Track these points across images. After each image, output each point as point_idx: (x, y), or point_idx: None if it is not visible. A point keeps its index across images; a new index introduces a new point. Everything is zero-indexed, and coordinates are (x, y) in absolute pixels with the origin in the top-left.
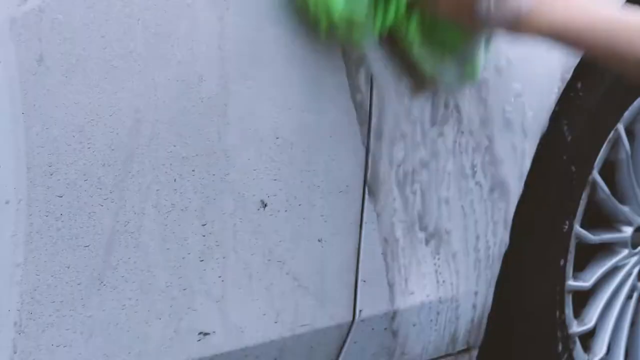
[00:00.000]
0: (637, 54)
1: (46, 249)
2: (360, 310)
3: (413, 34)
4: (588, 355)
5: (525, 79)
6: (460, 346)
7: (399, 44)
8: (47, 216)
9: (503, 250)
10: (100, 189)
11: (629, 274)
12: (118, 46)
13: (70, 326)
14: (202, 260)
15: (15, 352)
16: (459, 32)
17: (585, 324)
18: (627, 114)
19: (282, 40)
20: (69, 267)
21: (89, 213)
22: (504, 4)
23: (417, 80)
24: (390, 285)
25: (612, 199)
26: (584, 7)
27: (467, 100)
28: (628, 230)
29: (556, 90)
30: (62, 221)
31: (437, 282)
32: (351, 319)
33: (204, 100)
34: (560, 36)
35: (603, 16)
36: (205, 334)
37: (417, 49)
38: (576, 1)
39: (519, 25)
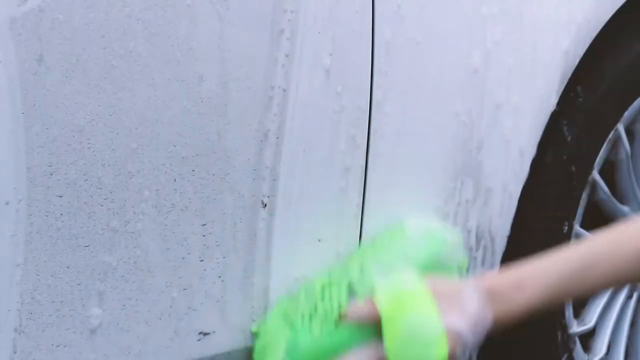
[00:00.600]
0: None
1: (46, 249)
2: None
3: None
4: (588, 355)
5: (526, 78)
6: None
7: None
8: (47, 216)
9: (503, 248)
10: (100, 189)
11: None
12: (118, 46)
13: (70, 326)
14: (202, 261)
15: (15, 352)
16: None
17: (585, 324)
18: (627, 114)
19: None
20: (69, 267)
21: (89, 213)
22: (474, 336)
23: None
24: None
25: (612, 199)
26: (536, 279)
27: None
28: None
29: (556, 90)
30: (62, 221)
31: None
32: None
33: (204, 100)
34: (543, 306)
35: (557, 271)
36: (205, 334)
37: None
38: (526, 279)
39: (500, 327)
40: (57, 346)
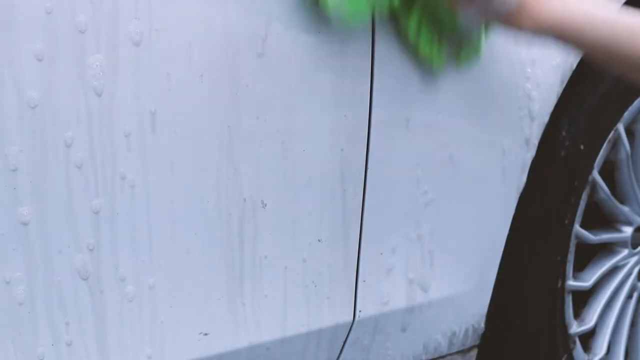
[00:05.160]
0: (638, 56)
1: None
2: (360, 311)
3: (412, 14)
4: (588, 355)
5: (526, 78)
6: (460, 346)
7: (399, 24)
8: None
9: (502, 248)
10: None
11: (629, 274)
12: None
13: (71, 326)
14: (203, 261)
15: None
16: (456, 16)
17: (585, 324)
18: (627, 114)
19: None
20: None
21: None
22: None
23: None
24: (390, 286)
25: (612, 199)
26: (583, 6)
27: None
28: (628, 230)
29: (556, 90)
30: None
31: (438, 282)
32: (351, 319)
33: (207, 100)
34: (558, 33)
35: (603, 16)
36: (205, 334)
37: (415, 29)
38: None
39: (512, 19)
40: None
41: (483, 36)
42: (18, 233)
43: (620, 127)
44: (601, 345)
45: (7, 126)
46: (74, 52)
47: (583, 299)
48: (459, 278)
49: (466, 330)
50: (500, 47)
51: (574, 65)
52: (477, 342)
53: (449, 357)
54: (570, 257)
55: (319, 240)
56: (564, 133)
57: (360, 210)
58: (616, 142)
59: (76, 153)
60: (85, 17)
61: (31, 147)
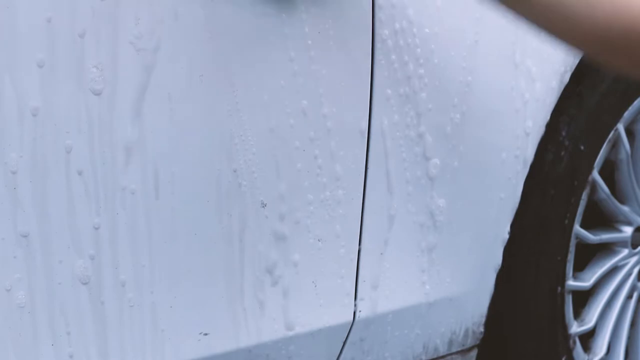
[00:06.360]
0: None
1: None
2: (360, 311)
3: None
4: (588, 355)
5: (526, 79)
6: (460, 346)
7: None
8: None
9: (502, 248)
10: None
11: (629, 274)
12: None
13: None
14: (203, 261)
15: None
16: None
17: (585, 324)
18: (627, 114)
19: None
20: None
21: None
22: None
23: None
24: (390, 286)
25: (612, 199)
26: None
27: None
28: (628, 230)
29: (556, 89)
30: None
31: (437, 282)
32: (351, 319)
33: (208, 100)
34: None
35: None
36: (205, 334)
37: None
38: None
39: None
40: None
41: None
42: (18, 240)
43: (620, 127)
44: (601, 345)
45: (7, 133)
46: (75, 59)
47: (583, 299)
48: (459, 278)
49: (466, 331)
50: (499, 45)
51: (575, 64)
52: (477, 342)
53: (449, 357)
54: (570, 257)
55: (319, 240)
56: (564, 133)
57: (361, 210)
58: (616, 142)
59: (77, 159)
60: (85, 24)
61: (32, 153)
